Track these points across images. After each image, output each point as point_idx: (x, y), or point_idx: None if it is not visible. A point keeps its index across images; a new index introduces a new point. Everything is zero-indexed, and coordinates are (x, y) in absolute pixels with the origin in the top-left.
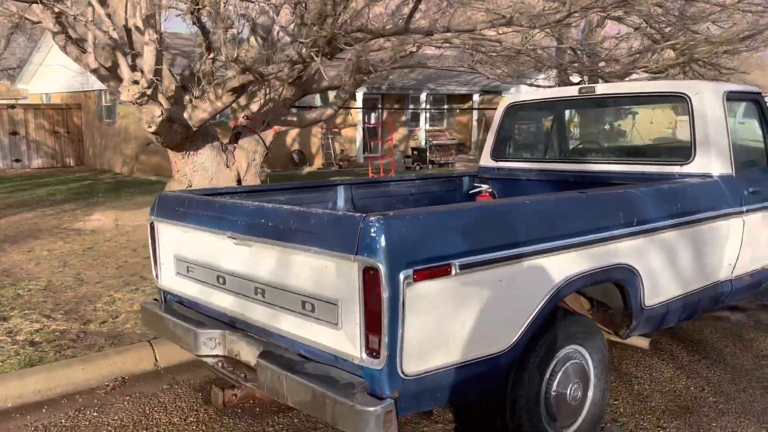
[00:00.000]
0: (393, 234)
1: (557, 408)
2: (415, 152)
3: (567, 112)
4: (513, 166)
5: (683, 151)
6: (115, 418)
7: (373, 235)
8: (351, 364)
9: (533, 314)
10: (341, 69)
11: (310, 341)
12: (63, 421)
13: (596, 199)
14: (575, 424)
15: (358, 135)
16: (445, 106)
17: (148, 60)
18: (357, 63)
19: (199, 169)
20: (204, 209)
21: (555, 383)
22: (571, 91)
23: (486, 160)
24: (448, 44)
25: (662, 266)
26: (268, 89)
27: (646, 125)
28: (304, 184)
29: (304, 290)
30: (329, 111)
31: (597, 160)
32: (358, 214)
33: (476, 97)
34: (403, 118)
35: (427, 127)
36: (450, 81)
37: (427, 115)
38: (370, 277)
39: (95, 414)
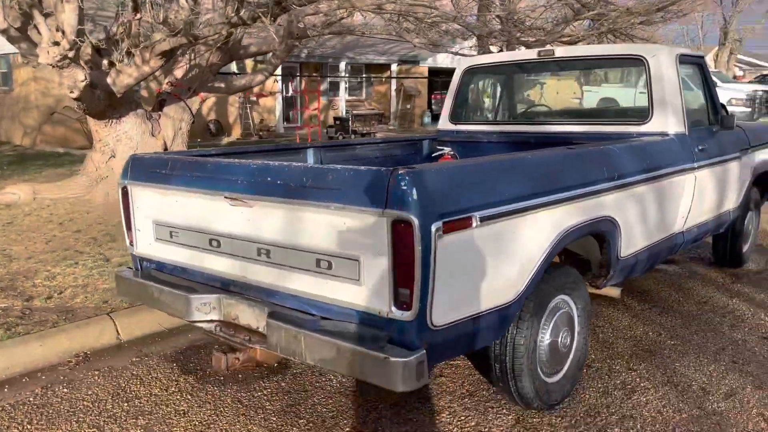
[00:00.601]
0: (423, 187)
1: (550, 354)
2: (338, 122)
3: (525, 75)
4: (473, 129)
5: (641, 112)
6: (89, 393)
7: (405, 188)
8: (374, 319)
9: (537, 265)
10: (272, 34)
11: (325, 298)
12: (31, 399)
13: (586, 155)
14: (564, 368)
15: (278, 104)
16: (364, 76)
17: (69, 19)
18: (289, 28)
19: (123, 139)
20: (195, 170)
21: (548, 331)
22: (530, 54)
23: (445, 124)
24: (380, 10)
25: (635, 219)
26: (192, 54)
27: (606, 87)
28: (274, 146)
29: (319, 248)
30: (260, 77)
31: (557, 122)
32: (385, 168)
33: (394, 67)
34: (322, 88)
35: (347, 97)
36: (368, 50)
37: (346, 84)
38: (400, 231)
39: (65, 390)
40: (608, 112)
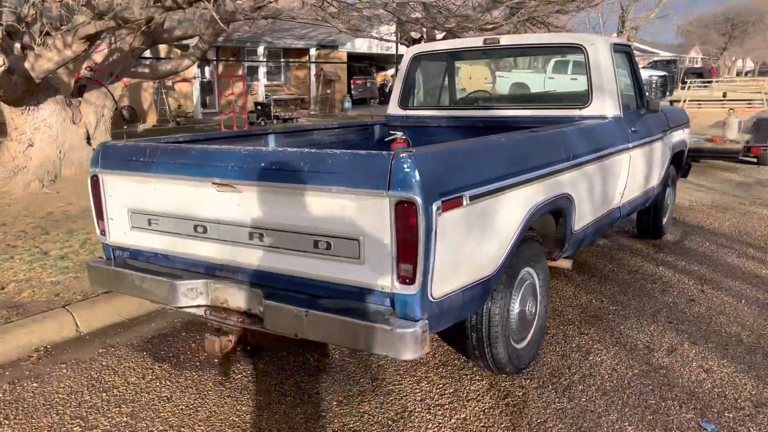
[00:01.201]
0: (423, 169)
1: (519, 322)
2: (259, 107)
3: (472, 62)
4: (422, 114)
5: (581, 97)
6: (62, 386)
7: (407, 170)
8: (375, 294)
9: (513, 240)
10: (196, 18)
11: (323, 277)
12: (0, 395)
13: (549, 137)
14: (529, 335)
15: (195, 90)
16: (282, 60)
17: None
18: (217, 11)
19: (41, 127)
20: (180, 157)
21: (518, 301)
22: (476, 42)
23: (394, 109)
24: None
25: (585, 196)
26: (113, 38)
27: (546, 73)
28: (236, 133)
29: (317, 230)
30: (186, 62)
31: (504, 107)
32: (385, 152)
33: (313, 52)
34: (240, 72)
35: (266, 81)
36: (286, 34)
37: (265, 69)
38: (403, 210)
39: (35, 385)
40: (551, 96)
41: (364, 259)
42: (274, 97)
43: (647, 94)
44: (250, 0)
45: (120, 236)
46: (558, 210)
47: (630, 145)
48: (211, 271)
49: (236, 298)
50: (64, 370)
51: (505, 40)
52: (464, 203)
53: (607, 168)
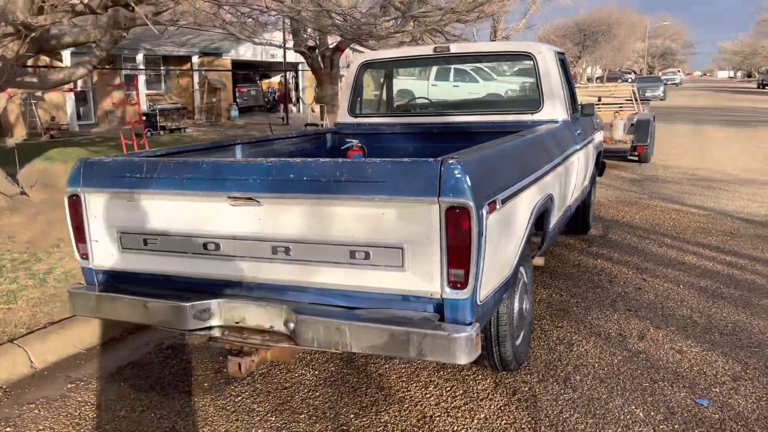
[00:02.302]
0: (472, 174)
1: (518, 319)
2: (144, 117)
3: (423, 69)
4: (375, 122)
5: (532, 102)
6: (42, 427)
7: (458, 176)
8: (417, 301)
9: (524, 240)
10: (89, 23)
11: (359, 288)
12: None
13: (537, 140)
14: (523, 331)
15: (69, 100)
16: (162, 68)
17: None
18: (115, 16)
19: None
20: (189, 171)
21: (517, 299)
22: (426, 50)
23: (344, 117)
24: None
25: (558, 195)
26: None
27: (495, 80)
28: (208, 144)
29: (353, 240)
30: (81, 71)
31: (456, 113)
32: (432, 159)
33: (195, 59)
34: (117, 81)
35: (146, 91)
36: (166, 41)
37: (145, 78)
38: (455, 216)
39: (10, 429)
40: (503, 102)
41: (408, 266)
42: (157, 106)
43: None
44: (152, 5)
45: (106, 259)
46: (545, 210)
47: (578, 146)
48: (221, 289)
49: (256, 316)
50: (37, 411)
51: (455, 48)
52: (498, 206)
53: (568, 168)
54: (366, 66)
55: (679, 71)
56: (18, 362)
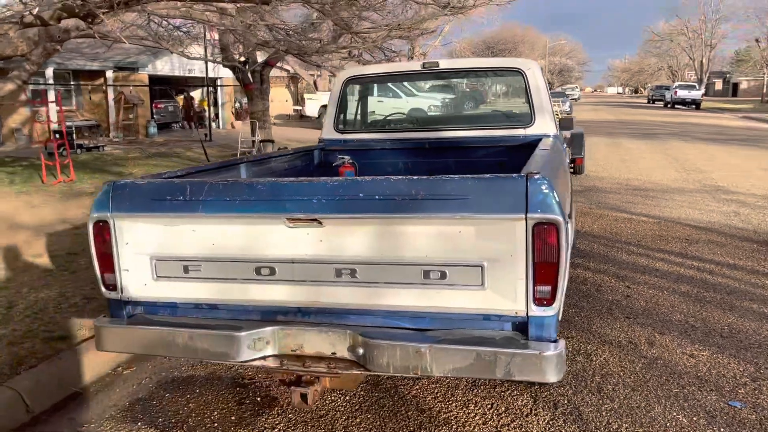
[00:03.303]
0: (555, 190)
1: None
2: (57, 135)
3: (411, 84)
4: (364, 137)
5: (524, 117)
6: None
7: (546, 191)
8: (496, 320)
9: (569, 254)
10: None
11: (432, 308)
12: None
13: (560, 154)
14: None
15: None
16: (73, 83)
17: None
18: (48, 29)
19: None
20: (243, 194)
21: None
22: (413, 66)
23: (330, 133)
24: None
25: (568, 207)
26: None
27: (484, 96)
28: (211, 166)
29: (428, 259)
30: (9, 86)
31: (448, 127)
32: (516, 175)
33: (110, 74)
34: (23, 97)
35: (56, 107)
36: (76, 55)
37: (54, 93)
38: (542, 232)
39: None
40: (494, 117)
41: (488, 285)
42: (71, 123)
43: None
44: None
45: (137, 290)
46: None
47: (567, 159)
48: (274, 316)
49: (316, 342)
50: None
51: (444, 64)
52: (568, 221)
53: (566, 181)
54: (351, 81)
55: (577, 87)
56: (12, 407)
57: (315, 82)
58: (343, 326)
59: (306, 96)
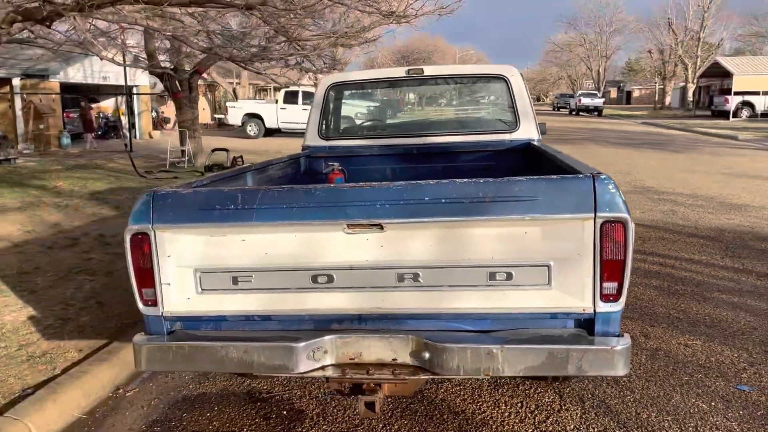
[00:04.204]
0: (620, 190)
1: None
2: None
3: (396, 91)
4: (350, 144)
5: (508, 122)
6: None
7: (613, 191)
8: (561, 317)
9: None
10: None
11: (497, 309)
12: None
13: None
14: None
15: None
16: None
17: None
18: None
19: None
20: (301, 201)
21: None
22: (398, 72)
23: (315, 140)
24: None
25: None
26: None
27: (468, 101)
28: (221, 175)
29: (493, 261)
30: None
31: (434, 133)
32: (582, 175)
33: (17, 81)
34: None
35: None
36: None
37: None
38: (610, 230)
39: None
40: (479, 122)
41: (554, 284)
42: None
43: None
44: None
45: (180, 304)
46: None
47: None
48: (327, 325)
49: (376, 349)
50: None
51: (429, 70)
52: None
53: None
54: (335, 87)
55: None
56: None
57: (234, 90)
58: (404, 331)
59: (228, 104)
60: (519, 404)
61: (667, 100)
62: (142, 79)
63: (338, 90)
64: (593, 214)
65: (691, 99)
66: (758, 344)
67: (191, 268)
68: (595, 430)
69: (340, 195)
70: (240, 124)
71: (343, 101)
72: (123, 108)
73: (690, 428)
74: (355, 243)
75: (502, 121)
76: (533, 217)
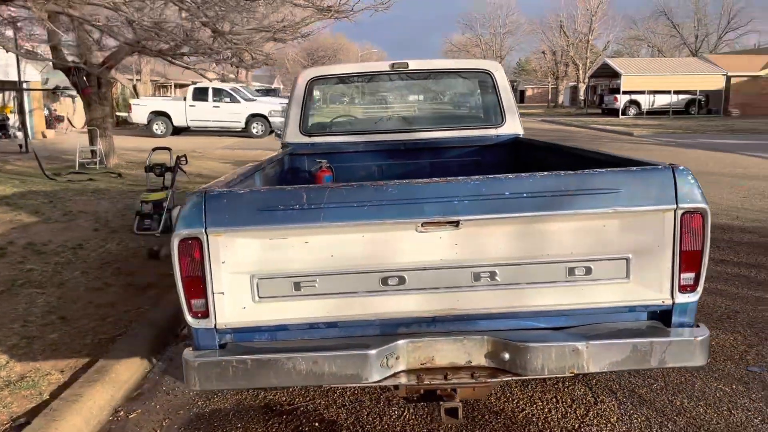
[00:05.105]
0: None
1: None
2: None
3: (380, 85)
4: (334, 140)
5: (495, 117)
6: None
7: (692, 181)
8: (636, 310)
9: None
10: None
11: (572, 305)
12: None
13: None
14: None
15: None
16: None
17: None
18: None
19: None
20: (373, 198)
21: None
22: (381, 66)
23: (296, 136)
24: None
25: None
26: None
27: (453, 96)
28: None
29: (572, 256)
30: None
31: (421, 129)
32: (661, 166)
33: None
34: None
35: None
36: None
37: None
38: (689, 221)
39: None
40: (465, 117)
41: (632, 276)
42: None
43: None
44: None
45: (235, 314)
46: None
47: None
48: (394, 329)
49: (449, 352)
50: None
51: (414, 64)
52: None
53: None
54: (315, 81)
55: None
56: None
57: (135, 87)
58: (477, 332)
59: (132, 101)
60: (554, 399)
61: (560, 98)
62: (31, 74)
63: (319, 84)
64: (675, 205)
65: (583, 98)
66: (747, 327)
67: (247, 274)
68: (639, 420)
69: (416, 191)
70: (146, 122)
71: (325, 96)
72: (10, 106)
73: (724, 411)
74: (428, 242)
75: (488, 116)
76: (616, 210)
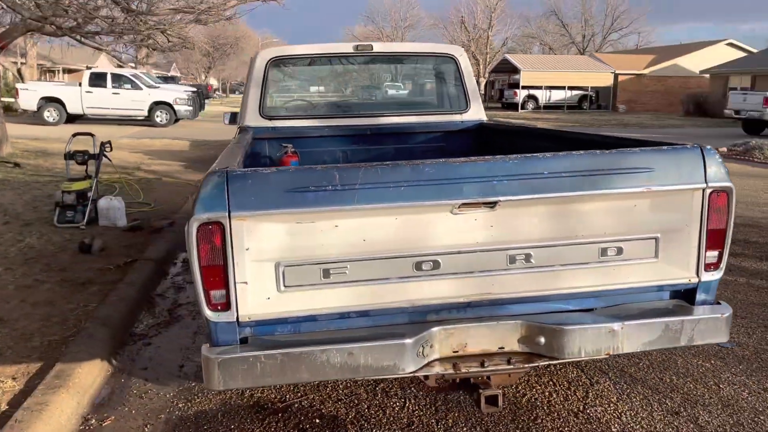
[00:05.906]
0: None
1: None
2: None
3: (343, 68)
4: (296, 125)
5: (459, 103)
6: None
7: (719, 160)
8: (661, 289)
9: None
10: None
11: (603, 286)
12: None
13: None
14: None
15: None
16: None
17: None
18: None
19: None
20: (409, 178)
21: None
22: (345, 48)
23: (255, 119)
24: None
25: None
26: None
27: (417, 80)
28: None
29: (605, 236)
30: None
31: (384, 114)
32: (690, 145)
33: None
34: None
35: None
36: None
37: None
38: (716, 199)
39: None
40: (429, 103)
41: (660, 255)
42: None
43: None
44: None
45: (258, 305)
46: None
47: None
48: (423, 316)
49: (482, 338)
50: None
51: (378, 47)
52: None
53: None
54: (275, 62)
55: None
56: None
57: (19, 71)
58: (509, 317)
59: (19, 86)
60: (551, 383)
61: None
62: None
63: (279, 65)
64: (704, 184)
65: (483, 92)
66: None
67: (272, 262)
68: (638, 399)
69: (454, 171)
70: (35, 109)
71: (286, 77)
72: None
73: (713, 386)
74: (463, 223)
75: (451, 102)
76: (650, 189)
